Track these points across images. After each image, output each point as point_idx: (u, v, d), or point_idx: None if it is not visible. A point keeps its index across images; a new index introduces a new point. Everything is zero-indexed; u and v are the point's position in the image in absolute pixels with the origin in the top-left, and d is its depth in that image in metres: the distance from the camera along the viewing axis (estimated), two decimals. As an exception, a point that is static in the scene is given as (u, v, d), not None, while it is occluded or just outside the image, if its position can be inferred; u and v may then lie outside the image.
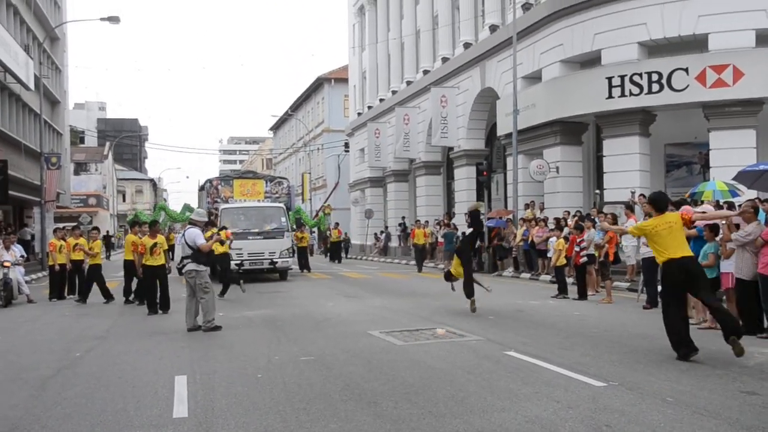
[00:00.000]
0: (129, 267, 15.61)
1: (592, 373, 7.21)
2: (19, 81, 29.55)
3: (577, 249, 15.07)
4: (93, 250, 16.74)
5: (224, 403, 6.41)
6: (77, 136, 70.63)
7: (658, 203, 8.30)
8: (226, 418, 5.93)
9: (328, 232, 30.42)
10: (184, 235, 11.53)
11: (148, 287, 13.95)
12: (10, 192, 25.42)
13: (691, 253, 8.12)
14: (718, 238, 10.25)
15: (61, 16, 43.82)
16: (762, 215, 9.90)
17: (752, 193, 13.96)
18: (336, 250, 35.41)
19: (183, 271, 11.35)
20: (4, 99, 30.53)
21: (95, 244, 16.97)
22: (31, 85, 31.10)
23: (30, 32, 35.02)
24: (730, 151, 18.09)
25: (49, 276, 17.94)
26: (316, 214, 40.37)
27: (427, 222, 30.32)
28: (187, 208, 28.20)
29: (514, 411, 5.89)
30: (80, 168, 65.02)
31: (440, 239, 27.26)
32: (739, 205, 10.46)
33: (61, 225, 24.37)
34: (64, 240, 17.61)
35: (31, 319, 13.69)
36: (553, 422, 5.57)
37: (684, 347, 7.81)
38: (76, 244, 17.14)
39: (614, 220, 15.01)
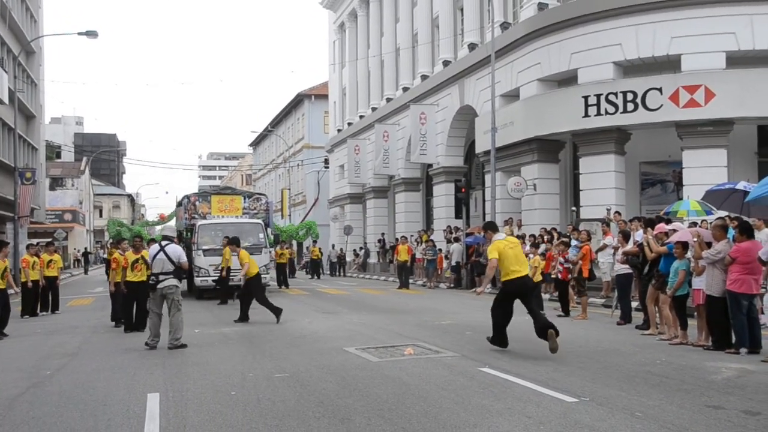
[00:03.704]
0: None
1: (564, 388, 7.27)
2: (-8, 95, 29.33)
3: (566, 265, 14.94)
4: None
5: (197, 420, 6.37)
6: (53, 151, 69.87)
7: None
8: (197, 436, 5.90)
9: (306, 250, 30.49)
10: (163, 250, 11.19)
11: (125, 304, 13.61)
12: (-17, 207, 25.07)
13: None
14: (688, 255, 10.41)
15: (38, 29, 43.50)
16: (731, 234, 10.08)
17: (724, 212, 14.17)
18: (316, 267, 36.02)
19: (158, 286, 11.07)
20: (-23, 113, 30.27)
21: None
22: (5, 99, 30.81)
23: (5, 45, 34.73)
24: (703, 170, 18.41)
25: (22, 293, 17.61)
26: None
27: (405, 238, 30.33)
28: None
29: (486, 427, 5.92)
30: (56, 183, 64.28)
31: (419, 255, 27.31)
32: (710, 223, 10.64)
33: (34, 241, 24.07)
34: (38, 256, 17.40)
35: (3, 336, 13.49)
36: (523, 438, 5.61)
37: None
38: (50, 260, 16.90)
39: (588, 236, 15.15)
